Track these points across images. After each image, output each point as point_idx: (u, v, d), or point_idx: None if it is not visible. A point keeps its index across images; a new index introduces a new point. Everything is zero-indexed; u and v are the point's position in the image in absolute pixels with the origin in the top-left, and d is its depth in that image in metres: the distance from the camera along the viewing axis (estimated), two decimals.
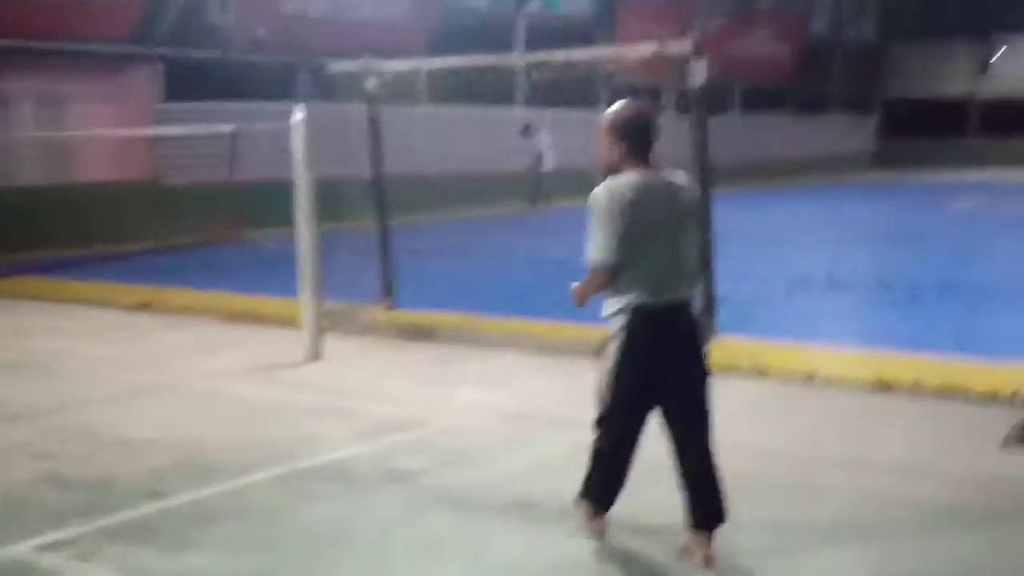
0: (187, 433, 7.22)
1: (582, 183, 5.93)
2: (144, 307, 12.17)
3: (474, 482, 6.06)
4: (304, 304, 9.37)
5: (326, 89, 19.02)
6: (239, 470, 6.35)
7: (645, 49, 9.41)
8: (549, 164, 24.87)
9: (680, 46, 9.07)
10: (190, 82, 20.49)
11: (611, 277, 4.39)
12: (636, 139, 4.43)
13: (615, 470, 4.57)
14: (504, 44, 26.10)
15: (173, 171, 20.49)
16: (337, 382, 8.74)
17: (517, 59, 10.89)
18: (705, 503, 4.55)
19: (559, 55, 10.66)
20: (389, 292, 11.50)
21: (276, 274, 11.78)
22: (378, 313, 11.07)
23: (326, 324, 9.78)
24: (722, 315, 9.15)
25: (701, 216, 4.79)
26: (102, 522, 5.51)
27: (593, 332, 5.12)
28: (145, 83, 20.74)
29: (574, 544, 4.95)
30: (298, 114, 9.18)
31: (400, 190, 12.22)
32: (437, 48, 21.31)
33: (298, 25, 22.90)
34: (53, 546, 5.21)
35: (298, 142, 9.20)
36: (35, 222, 17.74)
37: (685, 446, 4.52)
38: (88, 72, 19.89)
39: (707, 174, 9.24)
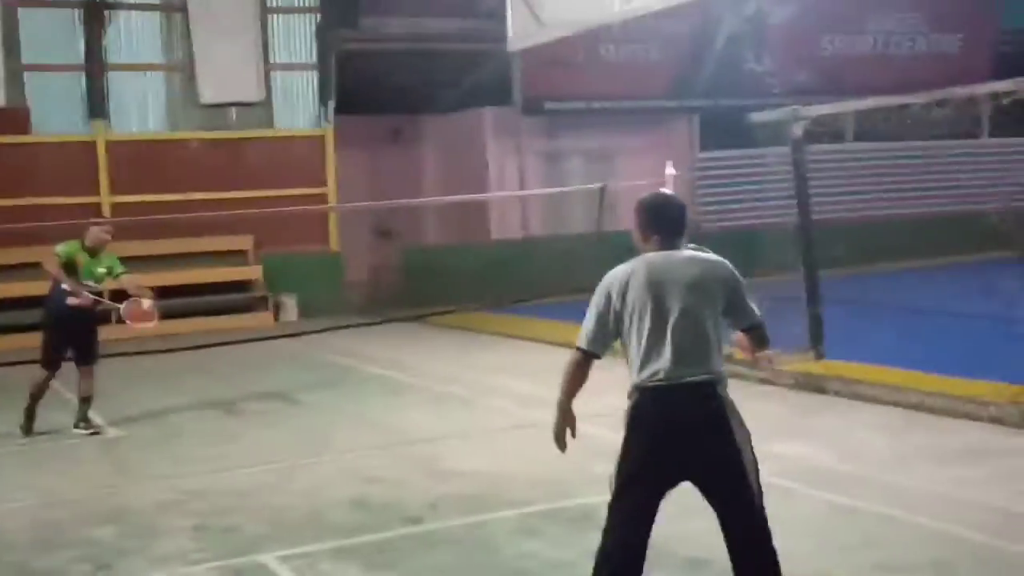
0: (508, 468, 7.83)
1: None
2: None
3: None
4: None
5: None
6: (504, 504, 6.84)
7: None
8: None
9: None
10: (726, 130, 21.15)
11: (586, 361, 4.38)
12: (656, 223, 4.44)
13: (616, 557, 4.31)
14: None
15: (707, 217, 21.29)
16: None
17: (907, 99, 10.09)
18: None
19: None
20: (817, 342, 11.21)
21: None
22: (797, 363, 10.84)
23: (734, 370, 9.84)
24: None
25: (736, 289, 4.40)
26: (345, 541, 6.33)
27: None
28: (684, 134, 21.81)
29: None
30: (669, 169, 9.46)
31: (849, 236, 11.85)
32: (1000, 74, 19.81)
33: (840, 65, 22.63)
34: (291, 558, 6.10)
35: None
36: (579, 267, 19.42)
37: (727, 524, 4.25)
38: (632, 127, 21.36)
39: None
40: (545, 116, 20.95)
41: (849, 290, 14.90)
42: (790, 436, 8.35)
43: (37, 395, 9.82)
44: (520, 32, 13.86)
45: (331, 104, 19.55)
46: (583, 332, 4.43)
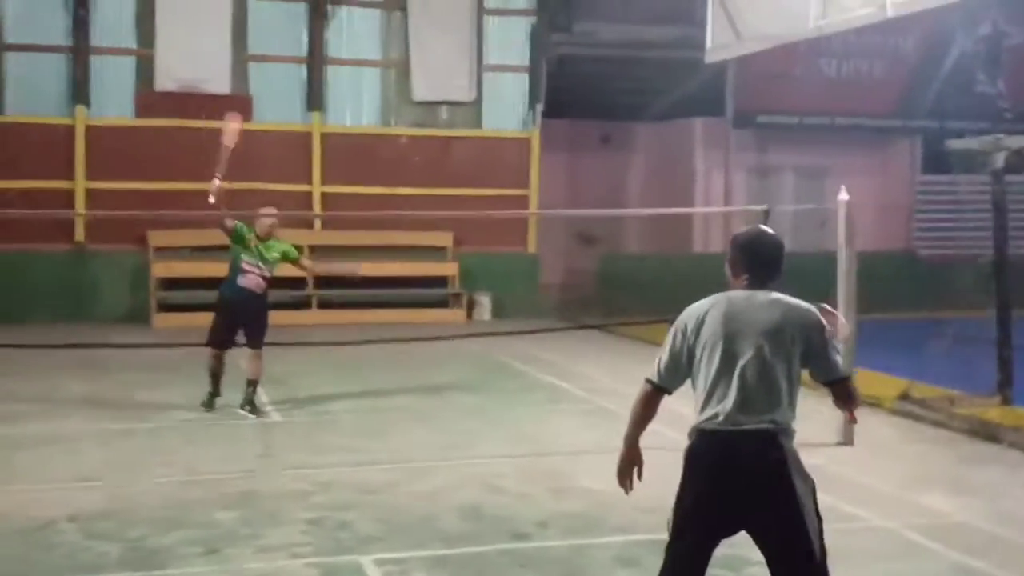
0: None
1: None
2: None
3: None
4: None
5: None
6: (612, 530, 6.67)
7: None
8: None
9: None
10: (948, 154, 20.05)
11: (656, 395, 4.31)
12: (747, 262, 4.27)
13: None
14: None
15: (926, 243, 20.27)
16: (842, 472, 8.32)
17: None
18: None
19: None
20: (1005, 386, 10.45)
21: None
22: (976, 407, 10.14)
23: (907, 409, 9.43)
24: None
25: (817, 338, 4.10)
26: (444, 551, 6.32)
27: None
28: (905, 156, 20.79)
29: None
30: (842, 195, 9.03)
31: None
32: None
33: None
34: (386, 562, 6.13)
35: (841, 222, 9.02)
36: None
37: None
38: (849, 145, 20.53)
39: None
40: (756, 129, 20.40)
41: None
42: (943, 487, 7.84)
43: (215, 373, 10.29)
44: (719, 43, 13.51)
45: (539, 107, 19.64)
46: (656, 365, 4.32)
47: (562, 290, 20.09)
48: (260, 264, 10.07)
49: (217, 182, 10.00)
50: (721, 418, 4.04)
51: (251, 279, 10.07)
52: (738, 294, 4.24)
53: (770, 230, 4.49)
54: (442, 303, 18.85)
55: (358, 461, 8.54)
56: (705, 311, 4.19)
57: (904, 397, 10.47)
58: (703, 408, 4.11)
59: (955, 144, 11.12)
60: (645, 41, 19.36)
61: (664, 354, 4.29)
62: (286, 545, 6.44)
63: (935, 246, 20.32)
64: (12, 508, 7.05)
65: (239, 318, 10.17)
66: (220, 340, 10.19)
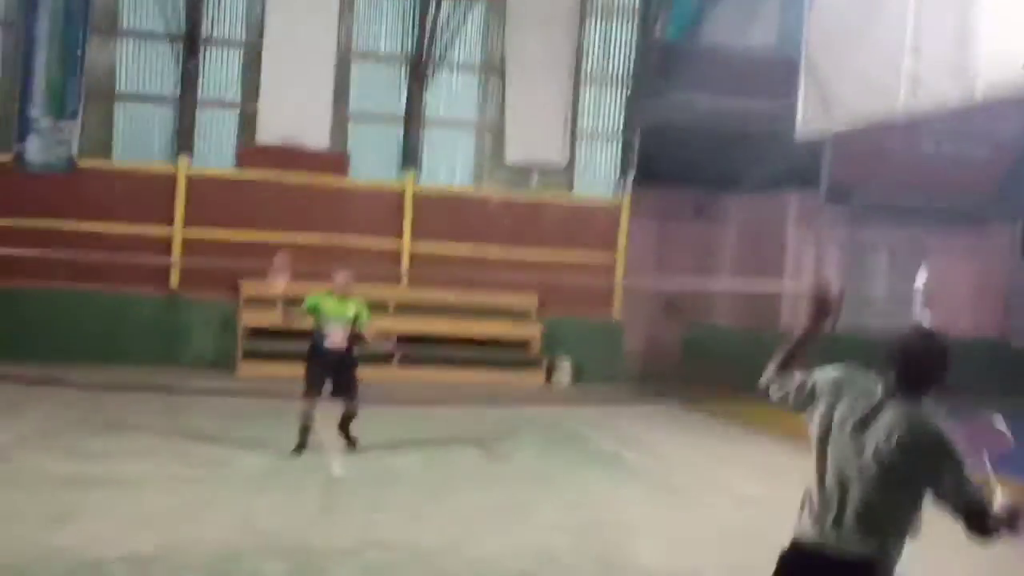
0: (683, 570, 7.52)
1: None
2: None
3: None
4: None
5: None
6: None
7: None
8: None
9: None
10: None
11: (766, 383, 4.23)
12: (892, 363, 3.87)
13: None
14: None
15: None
16: None
17: None
18: None
19: None
20: None
21: None
22: None
23: None
24: None
25: (939, 464, 3.65)
26: None
27: None
28: (1004, 239, 20.31)
29: None
30: (920, 279, 8.86)
31: None
32: None
33: None
34: None
35: (920, 300, 8.86)
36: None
37: None
38: (945, 226, 20.13)
39: None
40: (851, 206, 20.12)
41: None
42: None
43: (304, 421, 10.69)
44: (811, 118, 13.43)
45: (631, 174, 19.70)
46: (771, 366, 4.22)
47: (645, 359, 19.96)
48: (340, 324, 10.58)
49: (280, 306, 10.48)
50: (808, 530, 3.91)
51: (333, 340, 10.65)
52: (888, 402, 3.85)
53: (932, 332, 4.03)
54: (522, 365, 18.87)
55: (414, 521, 8.54)
56: (845, 389, 3.97)
57: None
58: (802, 507, 3.95)
59: None
60: (740, 112, 19.30)
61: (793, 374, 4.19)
62: None
63: None
64: (70, 544, 7.22)
65: (325, 370, 10.69)
66: (312, 391, 10.65)
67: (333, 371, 10.70)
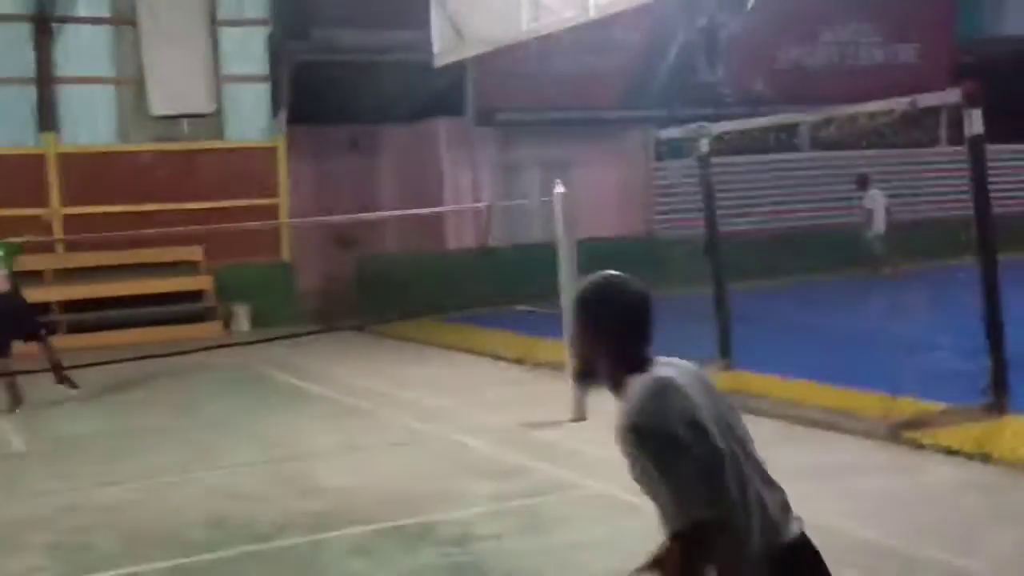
0: (373, 485, 7.98)
1: None
2: (519, 361, 13.06)
3: (534, 548, 6.13)
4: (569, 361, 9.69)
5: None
6: (350, 523, 6.98)
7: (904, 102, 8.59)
8: (879, 225, 19.49)
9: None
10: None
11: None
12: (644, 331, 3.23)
13: None
14: None
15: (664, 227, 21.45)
16: (573, 446, 8.87)
17: (799, 117, 10.34)
18: None
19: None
20: (725, 354, 11.34)
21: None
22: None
23: None
24: None
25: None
26: (185, 560, 6.49)
27: None
28: (639, 145, 21.93)
29: None
30: (558, 188, 9.64)
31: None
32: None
33: (796, 77, 22.78)
34: None
35: (558, 211, 9.63)
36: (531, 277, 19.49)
37: None
38: (586, 137, 21.46)
39: (989, 231, 8.28)
40: (498, 127, 21.07)
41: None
42: None
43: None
44: (445, 47, 14.01)
45: (283, 115, 19.71)
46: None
47: (322, 296, 20.21)
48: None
49: None
50: None
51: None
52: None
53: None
54: (198, 317, 18.67)
55: (101, 483, 8.54)
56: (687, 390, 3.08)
57: None
58: None
59: (664, 134, 11.91)
60: (382, 46, 19.70)
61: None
62: (26, 570, 6.47)
63: (671, 229, 21.45)
64: None
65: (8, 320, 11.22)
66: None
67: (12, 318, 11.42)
